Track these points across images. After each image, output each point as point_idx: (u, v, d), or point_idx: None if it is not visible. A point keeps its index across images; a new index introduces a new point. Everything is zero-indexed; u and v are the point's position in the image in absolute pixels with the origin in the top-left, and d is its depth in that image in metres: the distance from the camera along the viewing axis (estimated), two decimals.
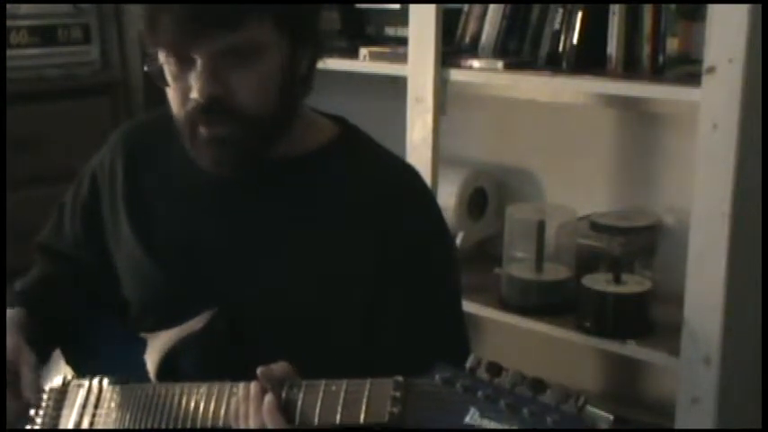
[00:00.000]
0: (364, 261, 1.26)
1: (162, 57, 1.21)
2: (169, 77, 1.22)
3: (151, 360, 1.31)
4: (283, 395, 1.11)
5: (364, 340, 1.28)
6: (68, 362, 1.43)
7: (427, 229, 1.33)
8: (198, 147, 1.23)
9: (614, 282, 2.03)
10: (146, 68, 1.23)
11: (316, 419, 1.09)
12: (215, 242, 1.32)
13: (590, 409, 0.94)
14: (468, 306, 2.20)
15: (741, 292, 1.84)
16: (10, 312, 1.40)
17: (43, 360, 1.39)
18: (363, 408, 1.04)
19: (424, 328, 1.29)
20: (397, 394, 1.01)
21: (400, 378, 1.02)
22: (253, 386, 1.13)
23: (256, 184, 1.29)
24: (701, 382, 1.86)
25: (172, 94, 1.23)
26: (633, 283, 2.05)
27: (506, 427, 0.94)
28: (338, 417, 1.06)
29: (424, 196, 1.36)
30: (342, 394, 1.07)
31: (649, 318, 2.03)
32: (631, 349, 1.99)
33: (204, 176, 1.27)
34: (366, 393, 1.05)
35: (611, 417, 0.94)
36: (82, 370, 1.39)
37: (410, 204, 1.31)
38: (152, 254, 1.35)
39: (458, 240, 2.41)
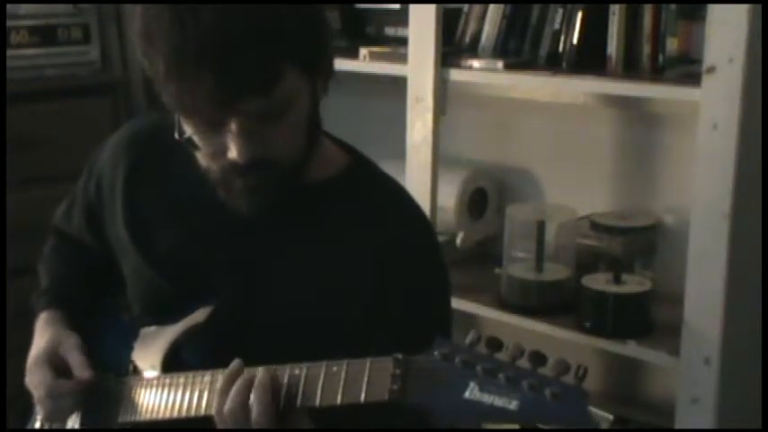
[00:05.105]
0: (362, 273, 1.27)
1: (189, 125, 1.19)
2: (199, 140, 1.20)
3: (155, 355, 1.33)
4: (285, 377, 1.13)
5: (362, 345, 1.28)
6: None
7: (422, 245, 1.34)
8: (233, 196, 1.24)
9: (614, 282, 2.03)
10: (177, 137, 1.21)
11: (317, 400, 1.10)
12: (216, 254, 1.33)
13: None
14: (468, 306, 2.21)
15: (741, 292, 1.84)
16: (41, 318, 1.45)
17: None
18: (364, 387, 1.06)
19: (418, 336, 1.30)
20: (398, 371, 1.02)
21: (400, 355, 1.03)
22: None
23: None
24: (701, 382, 1.86)
25: (202, 151, 1.22)
26: (633, 283, 2.04)
27: (505, 400, 0.94)
28: (339, 397, 1.08)
29: (418, 216, 1.38)
30: (342, 375, 1.08)
31: (649, 318, 2.03)
32: (631, 349, 1.99)
33: (207, 190, 1.27)
34: (366, 372, 1.06)
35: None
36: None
37: (405, 224, 1.33)
38: (152, 263, 1.36)
39: (458, 240, 2.41)
